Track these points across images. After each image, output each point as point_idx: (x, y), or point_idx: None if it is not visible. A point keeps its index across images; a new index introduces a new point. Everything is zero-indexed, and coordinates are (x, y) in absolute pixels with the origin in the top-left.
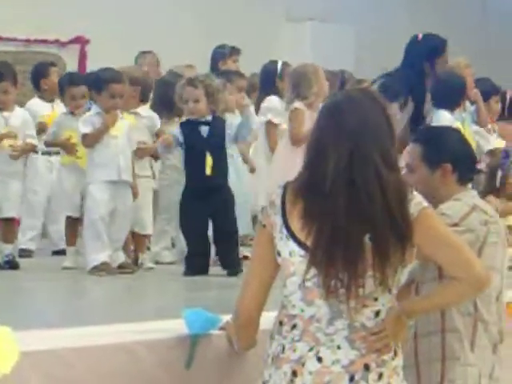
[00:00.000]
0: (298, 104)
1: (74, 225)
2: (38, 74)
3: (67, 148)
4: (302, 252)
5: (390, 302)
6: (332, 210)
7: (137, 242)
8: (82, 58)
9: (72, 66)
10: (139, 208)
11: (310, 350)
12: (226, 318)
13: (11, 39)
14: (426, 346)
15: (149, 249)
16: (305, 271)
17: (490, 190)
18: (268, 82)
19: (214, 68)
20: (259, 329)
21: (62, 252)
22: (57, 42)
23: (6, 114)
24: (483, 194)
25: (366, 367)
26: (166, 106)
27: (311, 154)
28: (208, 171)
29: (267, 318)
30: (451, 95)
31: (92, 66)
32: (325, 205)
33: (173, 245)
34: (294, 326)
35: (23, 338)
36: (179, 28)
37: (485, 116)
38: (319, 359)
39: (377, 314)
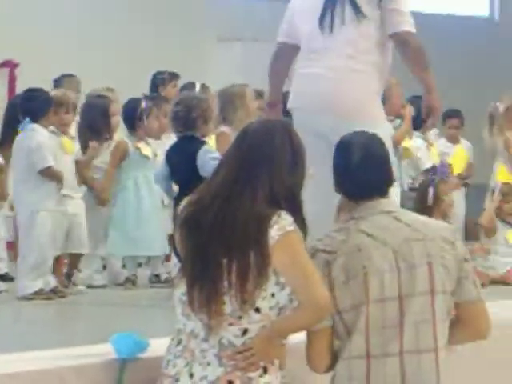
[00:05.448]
0: (224, 128)
1: None
2: None
3: None
4: (179, 265)
5: (262, 322)
6: (201, 226)
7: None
8: (11, 81)
9: (1, 89)
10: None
11: (186, 365)
12: (155, 342)
13: None
14: None
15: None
16: (176, 285)
17: (422, 208)
18: None
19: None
20: None
21: None
22: None
23: None
24: (416, 212)
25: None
26: (93, 129)
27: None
28: None
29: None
30: None
31: (21, 90)
32: (198, 220)
33: (104, 267)
34: (179, 342)
35: None
36: (107, 54)
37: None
38: (191, 375)
39: (244, 332)
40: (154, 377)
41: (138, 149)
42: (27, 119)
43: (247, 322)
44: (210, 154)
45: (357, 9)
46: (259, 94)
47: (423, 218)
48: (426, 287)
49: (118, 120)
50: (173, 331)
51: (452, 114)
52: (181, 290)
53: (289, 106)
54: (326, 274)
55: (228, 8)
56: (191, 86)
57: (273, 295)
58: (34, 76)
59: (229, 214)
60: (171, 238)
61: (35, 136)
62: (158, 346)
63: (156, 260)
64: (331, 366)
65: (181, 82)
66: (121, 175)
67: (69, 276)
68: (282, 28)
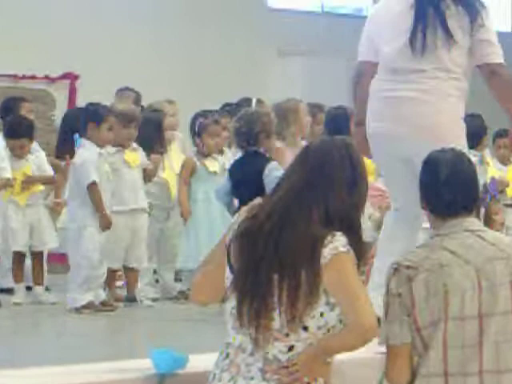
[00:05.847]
0: (278, 143)
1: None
2: (6, 110)
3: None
4: (231, 278)
5: (309, 340)
6: (256, 241)
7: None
8: (72, 93)
9: (62, 101)
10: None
11: (230, 379)
12: (195, 357)
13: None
14: None
15: None
16: (228, 298)
17: None
18: None
19: None
20: None
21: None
22: (46, 78)
23: None
24: None
25: None
26: (146, 143)
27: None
28: None
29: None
30: None
31: (82, 102)
32: (254, 235)
33: (156, 281)
34: (226, 356)
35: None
36: (168, 66)
37: None
38: None
39: (290, 348)
40: None
41: (204, 165)
42: (76, 135)
43: (294, 340)
44: (276, 171)
45: (449, 34)
46: (319, 107)
47: (507, 238)
48: (508, 307)
49: (171, 134)
50: (220, 346)
51: (502, 134)
52: (232, 303)
53: (370, 130)
54: (407, 290)
55: (289, 22)
56: (247, 100)
57: (322, 315)
58: (95, 88)
59: (284, 233)
60: None
61: (81, 153)
62: (197, 362)
63: None
64: (411, 383)
65: (241, 96)
66: (190, 190)
67: (131, 292)
68: (362, 47)
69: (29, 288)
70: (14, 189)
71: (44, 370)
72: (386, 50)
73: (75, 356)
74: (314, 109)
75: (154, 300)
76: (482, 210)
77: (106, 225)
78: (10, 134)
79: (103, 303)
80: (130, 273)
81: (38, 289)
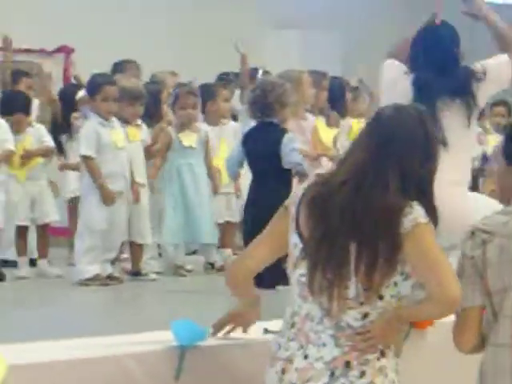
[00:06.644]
0: None
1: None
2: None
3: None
4: (301, 246)
5: (383, 308)
6: (330, 209)
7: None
8: (67, 66)
9: (57, 75)
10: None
11: (300, 348)
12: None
13: None
14: None
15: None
16: (296, 265)
17: None
18: None
19: None
20: None
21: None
22: (41, 51)
23: None
24: None
25: (347, 364)
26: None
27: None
28: None
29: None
30: None
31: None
32: (327, 202)
33: (159, 254)
34: (292, 325)
35: (11, 350)
36: (164, 38)
37: None
38: (305, 357)
39: (365, 316)
40: (212, 365)
41: (179, 139)
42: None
43: (369, 308)
44: (292, 143)
45: (444, 142)
46: (323, 74)
47: None
48: None
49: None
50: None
51: (498, 103)
52: (300, 270)
53: None
54: (480, 254)
55: None
56: (254, 71)
57: (396, 284)
58: (90, 62)
59: (359, 202)
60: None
61: (85, 124)
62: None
63: (209, 248)
64: (478, 348)
65: (237, 67)
66: (166, 164)
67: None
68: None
69: (31, 260)
70: (13, 164)
71: (60, 343)
72: None
73: (86, 329)
74: (318, 76)
75: (158, 273)
76: (481, 181)
77: (107, 198)
78: (4, 111)
79: (110, 276)
80: (135, 247)
81: (43, 262)
